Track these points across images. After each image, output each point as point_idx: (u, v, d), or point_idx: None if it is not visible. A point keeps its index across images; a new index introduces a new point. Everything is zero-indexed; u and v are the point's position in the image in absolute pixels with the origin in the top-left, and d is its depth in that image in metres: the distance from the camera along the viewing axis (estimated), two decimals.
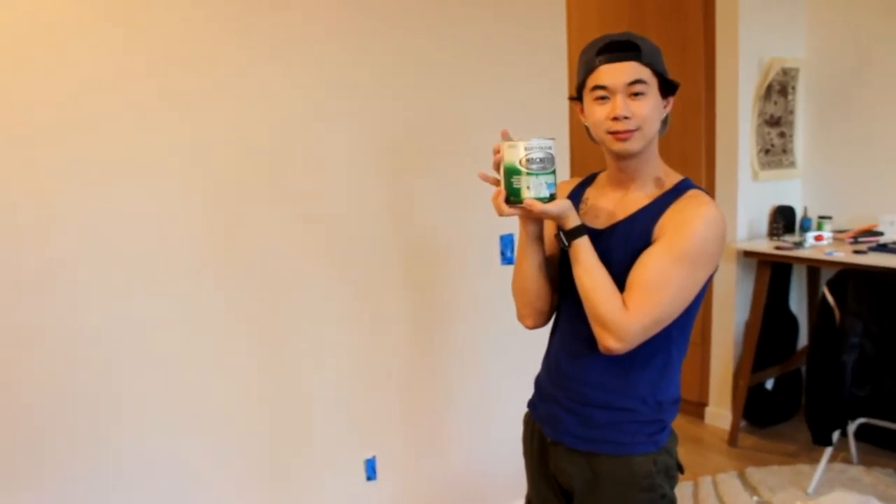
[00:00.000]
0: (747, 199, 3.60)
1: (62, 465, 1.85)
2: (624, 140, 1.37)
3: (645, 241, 1.38)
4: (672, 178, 1.46)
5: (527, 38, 2.63)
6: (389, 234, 2.38)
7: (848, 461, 3.25)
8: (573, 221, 1.36)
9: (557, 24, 2.73)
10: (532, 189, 1.31)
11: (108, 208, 1.86)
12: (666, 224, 1.37)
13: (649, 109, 1.36)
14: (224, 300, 2.07)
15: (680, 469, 1.53)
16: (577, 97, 1.47)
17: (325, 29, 2.18)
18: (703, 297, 1.43)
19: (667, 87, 1.41)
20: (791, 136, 3.75)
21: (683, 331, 1.45)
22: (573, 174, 2.74)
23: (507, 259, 2.64)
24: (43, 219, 1.78)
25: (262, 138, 2.09)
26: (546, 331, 1.65)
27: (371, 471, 2.42)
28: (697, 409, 3.83)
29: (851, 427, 3.18)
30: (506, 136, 1.35)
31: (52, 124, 1.77)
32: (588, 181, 1.60)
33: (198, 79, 1.96)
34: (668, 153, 3.61)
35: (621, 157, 1.42)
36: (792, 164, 3.77)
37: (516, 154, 1.31)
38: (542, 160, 1.31)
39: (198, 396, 2.05)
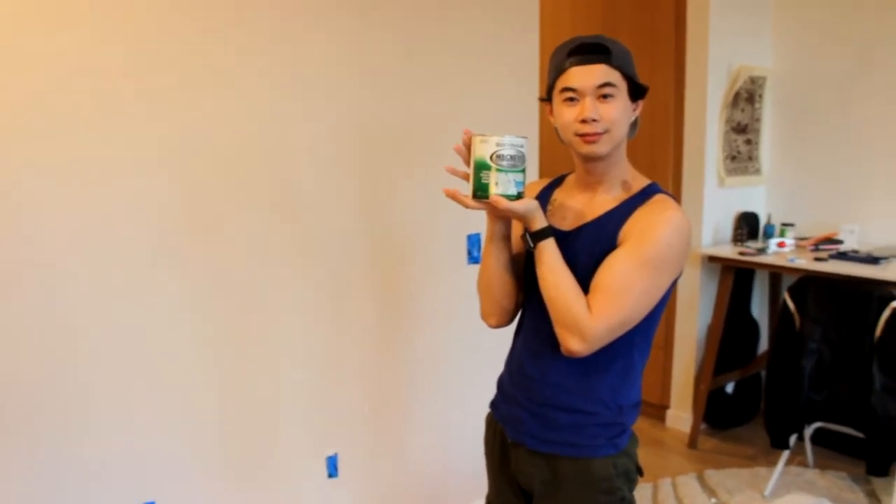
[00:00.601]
0: (713, 204, 3.64)
1: (23, 456, 1.81)
2: (591, 143, 1.37)
3: (610, 245, 1.38)
4: (639, 182, 1.47)
5: (499, 38, 2.63)
6: (356, 232, 2.36)
7: (804, 464, 3.31)
8: (539, 222, 1.36)
9: (530, 27, 2.73)
10: (500, 185, 1.31)
11: (75, 203, 1.82)
12: (631, 228, 1.37)
13: (618, 112, 1.37)
14: (188, 296, 2.04)
15: (639, 472, 1.54)
16: (546, 98, 1.47)
17: (297, 26, 2.15)
18: (666, 302, 1.44)
19: (636, 91, 1.41)
20: (757, 143, 3.81)
21: (646, 335, 1.46)
22: (542, 175, 2.74)
23: (473, 258, 2.64)
24: (10, 214, 1.73)
25: (231, 135, 2.06)
26: (511, 330, 1.65)
27: (333, 468, 2.40)
28: (659, 411, 3.87)
29: (808, 431, 3.24)
30: (470, 136, 1.35)
31: (21, 120, 1.72)
32: (556, 182, 1.60)
33: (168, 74, 1.93)
34: (637, 157, 3.65)
35: (589, 159, 1.42)
36: (757, 172, 3.83)
37: (487, 149, 1.31)
38: (512, 157, 1.31)
39: (158, 392, 2.01)
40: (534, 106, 2.73)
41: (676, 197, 3.59)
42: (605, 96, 1.36)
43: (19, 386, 1.80)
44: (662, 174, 3.67)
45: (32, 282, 1.79)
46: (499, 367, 1.68)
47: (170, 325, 2.02)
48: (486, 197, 1.32)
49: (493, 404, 1.66)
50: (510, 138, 1.31)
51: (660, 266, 1.34)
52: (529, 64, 2.74)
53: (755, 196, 3.85)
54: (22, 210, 1.76)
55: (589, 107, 1.35)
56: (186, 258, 2.02)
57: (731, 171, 3.68)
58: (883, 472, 2.86)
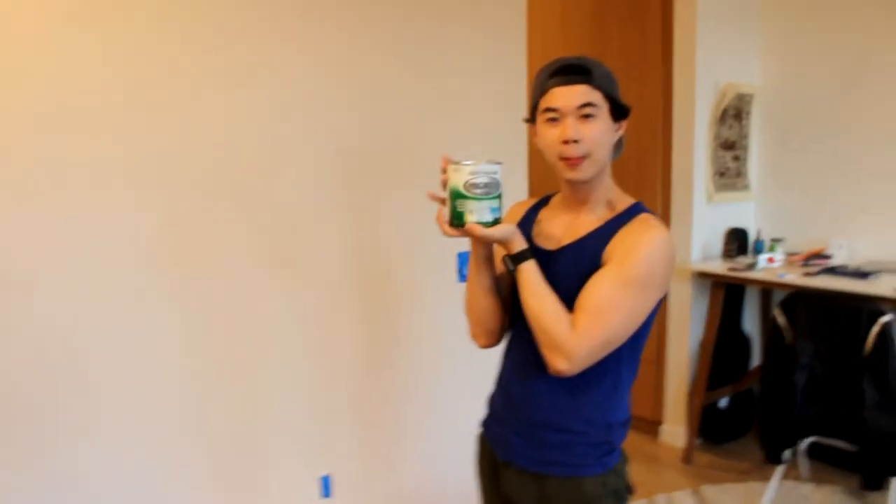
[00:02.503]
0: (702, 220, 3.66)
1: (10, 474, 1.80)
2: (574, 167, 1.39)
3: (594, 264, 1.39)
4: (624, 202, 1.48)
5: (488, 59, 2.66)
6: (347, 250, 2.37)
7: (799, 479, 3.31)
8: (518, 245, 1.37)
9: (518, 48, 2.76)
10: (475, 213, 1.32)
11: (66, 216, 1.83)
12: (615, 247, 1.38)
13: (599, 132, 1.38)
14: (178, 316, 2.04)
15: (630, 490, 1.54)
16: (531, 119, 1.49)
17: (285, 42, 2.17)
18: (653, 320, 1.45)
19: (619, 112, 1.43)
20: (745, 159, 3.83)
21: (633, 353, 1.47)
22: (531, 195, 2.76)
23: (463, 276, 2.65)
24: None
25: (221, 154, 2.08)
26: (501, 348, 1.65)
27: (326, 488, 2.39)
28: (652, 427, 3.87)
29: (802, 445, 3.24)
30: (447, 162, 1.36)
31: (15, 134, 1.74)
32: (543, 202, 1.61)
33: (160, 94, 1.95)
34: (625, 174, 3.67)
35: (573, 182, 1.44)
36: (746, 187, 3.85)
37: (460, 177, 1.31)
38: (486, 185, 1.31)
39: (148, 412, 2.01)
40: (522, 126, 2.75)
41: (665, 213, 3.62)
42: (586, 116, 1.37)
43: (7, 400, 1.79)
44: (651, 191, 3.70)
45: (22, 297, 1.79)
46: (489, 385, 1.68)
47: (160, 345, 2.02)
48: (463, 225, 1.33)
49: (484, 424, 1.66)
50: (484, 166, 1.31)
51: (644, 285, 1.35)
52: (519, 84, 2.77)
53: (744, 212, 3.87)
54: (15, 227, 1.76)
55: (570, 127, 1.36)
56: (177, 279, 2.03)
57: (719, 187, 3.70)
58: (877, 486, 2.86)
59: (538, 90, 1.43)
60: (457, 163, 1.32)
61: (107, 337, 1.92)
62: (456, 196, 1.32)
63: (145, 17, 1.91)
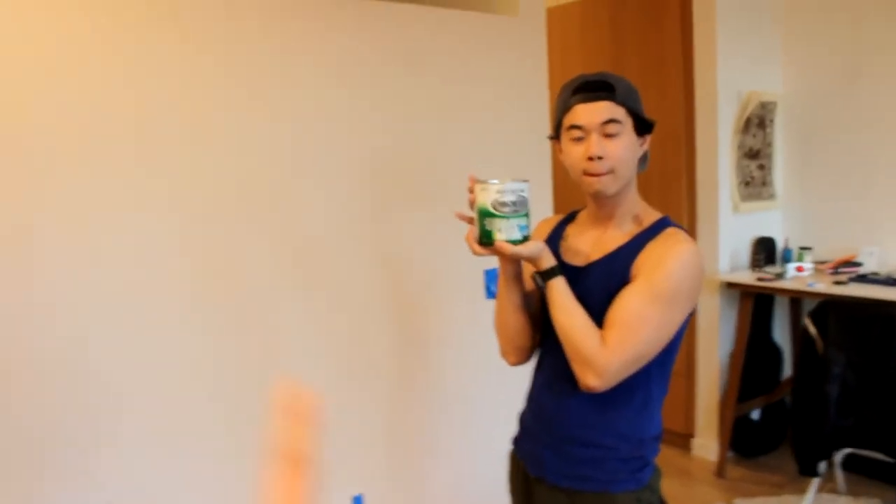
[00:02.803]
0: (728, 231, 3.63)
1: (25, 477, 1.82)
2: (598, 182, 1.39)
3: (623, 280, 1.39)
4: (650, 216, 1.48)
5: (510, 76, 2.67)
6: (375, 268, 2.38)
7: (835, 491, 3.25)
8: (547, 262, 1.38)
9: (539, 64, 2.77)
10: (503, 231, 1.32)
11: (92, 236, 1.86)
12: (643, 262, 1.38)
13: (623, 149, 1.38)
14: (204, 336, 2.06)
15: None
16: (555, 136, 1.49)
17: (312, 65, 2.20)
18: (683, 334, 1.44)
19: (642, 126, 1.43)
20: (770, 168, 3.80)
21: (663, 368, 1.46)
22: (556, 212, 2.76)
23: (491, 293, 2.65)
24: (25, 245, 1.77)
25: (248, 174, 2.10)
26: (531, 366, 1.65)
27: None
28: (684, 440, 3.83)
29: (837, 457, 3.19)
30: (473, 182, 1.37)
31: (36, 153, 1.78)
32: (569, 218, 1.62)
33: (183, 117, 1.98)
34: (650, 187, 3.66)
35: (598, 197, 1.44)
36: (772, 196, 3.82)
37: (488, 196, 1.32)
38: (514, 203, 1.32)
39: (178, 434, 2.03)
40: (546, 143, 2.76)
41: (691, 224, 3.60)
42: (610, 133, 1.37)
43: (28, 413, 1.82)
44: (676, 203, 3.68)
45: (45, 319, 1.83)
46: (520, 402, 1.68)
47: (186, 365, 2.04)
48: (492, 244, 1.33)
49: (515, 441, 1.66)
50: (511, 184, 1.32)
51: (673, 300, 1.35)
52: (540, 100, 2.78)
53: (771, 221, 3.84)
54: (40, 253, 1.80)
55: (594, 144, 1.37)
56: (202, 298, 2.05)
57: (745, 197, 3.68)
58: None
59: (561, 107, 1.44)
60: (484, 182, 1.33)
61: (135, 359, 1.95)
62: (484, 215, 1.33)
63: (179, 41, 1.95)
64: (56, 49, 1.79)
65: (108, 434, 1.91)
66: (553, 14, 3.99)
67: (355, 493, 2.39)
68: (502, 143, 2.66)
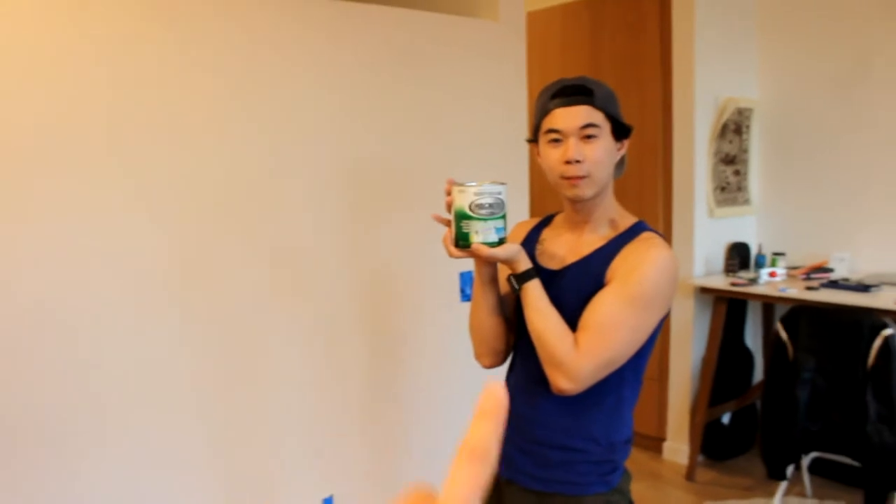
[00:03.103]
0: (703, 235, 3.67)
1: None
2: (575, 186, 1.40)
3: (598, 283, 1.40)
4: (626, 221, 1.49)
5: (489, 80, 2.67)
6: (350, 271, 2.37)
7: (802, 495, 3.30)
8: (523, 265, 1.38)
9: (518, 67, 2.77)
10: (480, 234, 1.33)
11: (74, 244, 1.84)
12: (619, 266, 1.39)
13: (601, 152, 1.39)
14: (183, 341, 2.04)
15: None
16: (533, 140, 1.50)
17: (288, 67, 2.19)
18: (656, 338, 1.45)
19: (620, 131, 1.44)
20: (746, 174, 3.85)
21: (636, 371, 1.47)
22: (532, 215, 2.77)
23: (466, 296, 2.65)
24: (6, 249, 1.75)
25: (226, 179, 2.08)
26: (504, 368, 1.65)
27: None
28: (655, 444, 3.86)
29: (805, 461, 3.23)
30: (451, 185, 1.37)
31: (18, 155, 1.75)
32: (546, 222, 1.62)
33: (167, 123, 1.96)
34: (626, 190, 3.69)
35: (575, 200, 1.45)
36: (747, 202, 3.86)
37: (465, 199, 1.32)
38: (491, 205, 1.32)
39: (153, 434, 2.01)
40: (524, 146, 2.76)
41: (666, 229, 3.62)
42: (588, 137, 1.38)
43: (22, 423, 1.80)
44: (652, 206, 3.71)
45: (28, 324, 1.80)
46: None
47: (165, 368, 2.02)
48: (468, 246, 1.34)
49: None
50: (489, 186, 1.32)
51: (647, 304, 1.36)
52: (519, 103, 2.78)
53: (746, 226, 3.88)
54: (23, 257, 1.77)
55: (572, 148, 1.37)
56: (182, 303, 2.03)
57: (720, 202, 3.71)
58: (880, 502, 2.84)
59: (540, 111, 1.44)
60: (461, 184, 1.34)
61: (117, 364, 1.93)
62: (461, 217, 1.33)
63: (154, 46, 1.93)
64: (40, 52, 1.76)
65: (91, 439, 1.89)
66: (533, 18, 4.00)
67: (326, 494, 2.38)
68: (480, 147, 2.67)
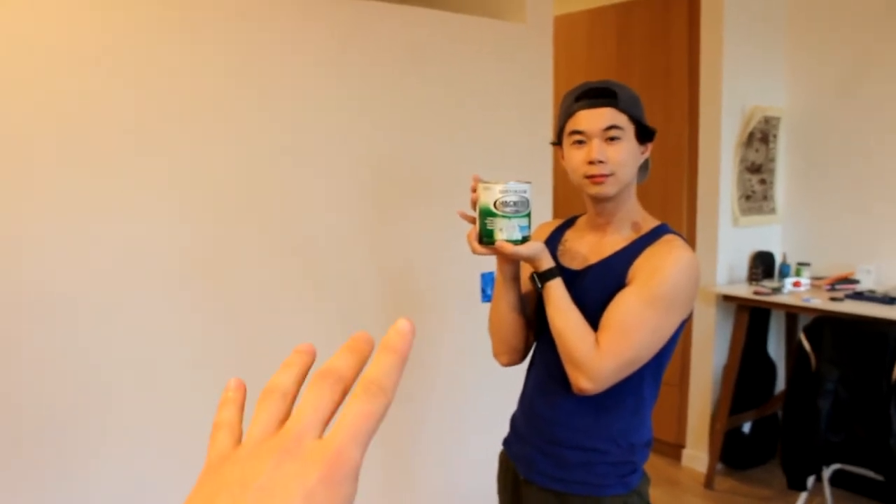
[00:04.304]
0: (728, 243, 3.65)
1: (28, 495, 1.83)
2: (599, 184, 1.41)
3: (619, 284, 1.40)
4: (649, 223, 1.50)
5: (515, 82, 2.69)
6: (370, 270, 2.39)
7: None
8: (546, 264, 1.39)
9: (545, 71, 2.78)
10: (504, 231, 1.34)
11: (93, 237, 1.87)
12: (640, 267, 1.39)
13: (624, 154, 1.40)
14: (201, 339, 2.07)
15: None
16: (557, 142, 1.51)
17: (308, 63, 2.21)
18: (677, 340, 1.46)
19: (644, 134, 1.45)
20: (772, 182, 3.82)
21: (656, 373, 1.47)
22: (556, 217, 2.77)
23: (487, 297, 2.66)
24: (15, 240, 1.78)
25: (248, 178, 2.11)
26: (524, 368, 1.66)
27: None
28: (675, 451, 3.84)
29: (826, 472, 3.20)
30: (477, 182, 1.38)
31: (29, 148, 1.78)
32: (569, 223, 1.63)
33: (180, 112, 1.99)
34: (651, 197, 3.68)
35: (598, 200, 1.46)
36: (772, 211, 3.84)
37: (491, 196, 1.34)
38: (515, 203, 1.34)
39: (167, 424, 2.04)
40: (548, 149, 2.77)
41: (691, 236, 3.61)
42: (612, 139, 1.39)
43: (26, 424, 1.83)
44: (677, 214, 3.69)
45: (45, 314, 1.84)
46: (512, 404, 1.70)
47: (184, 362, 2.05)
48: (492, 243, 1.35)
49: (506, 442, 1.67)
50: (514, 185, 1.33)
51: (669, 305, 1.36)
52: (545, 107, 2.79)
53: (770, 235, 3.85)
54: (44, 248, 1.81)
55: (596, 149, 1.38)
56: (200, 300, 2.06)
57: (745, 211, 3.69)
58: None
59: (564, 113, 1.46)
60: (487, 181, 1.35)
61: (127, 356, 1.96)
62: (486, 214, 1.35)
63: (176, 43, 1.96)
64: (53, 45, 1.80)
65: (99, 431, 1.92)
66: (560, 22, 4.01)
67: None
68: (505, 148, 2.68)
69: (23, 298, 1.79)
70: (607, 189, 1.41)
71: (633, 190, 1.48)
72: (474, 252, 1.39)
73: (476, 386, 2.69)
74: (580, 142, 1.41)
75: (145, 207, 1.94)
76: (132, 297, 1.94)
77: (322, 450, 0.34)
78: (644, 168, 1.50)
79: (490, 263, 2.63)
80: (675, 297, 1.38)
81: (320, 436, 0.35)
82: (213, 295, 2.08)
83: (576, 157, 1.42)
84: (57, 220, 1.82)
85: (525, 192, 1.35)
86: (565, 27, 4.10)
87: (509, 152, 2.69)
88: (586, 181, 1.42)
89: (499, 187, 1.33)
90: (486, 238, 1.36)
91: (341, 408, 0.36)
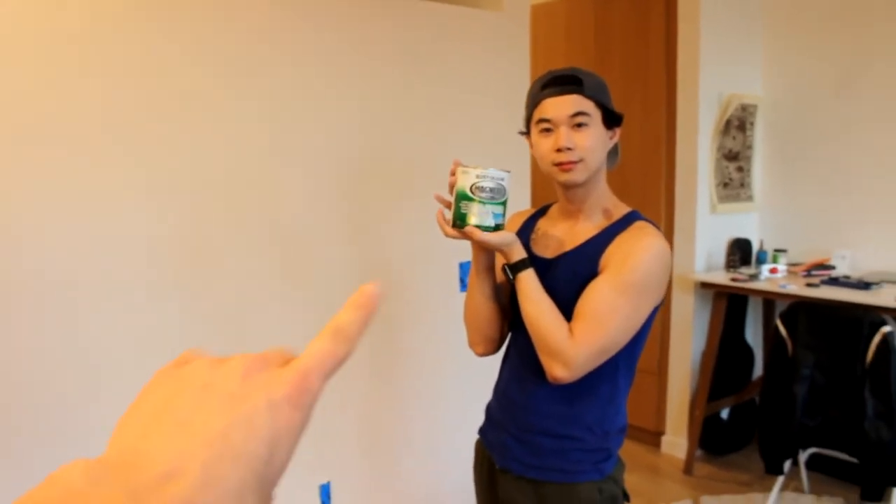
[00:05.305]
0: (705, 231, 3.67)
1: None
2: (567, 171, 1.41)
3: (591, 272, 1.41)
4: (620, 210, 1.50)
5: (493, 73, 2.68)
6: (349, 259, 2.39)
7: (800, 490, 3.31)
8: (517, 254, 1.39)
9: (522, 61, 2.78)
10: (477, 217, 1.34)
11: (75, 230, 1.85)
12: (612, 255, 1.40)
13: (592, 140, 1.40)
14: (180, 328, 2.06)
15: (626, 497, 1.55)
16: (526, 132, 1.51)
17: (291, 55, 2.20)
18: (650, 327, 1.46)
19: (611, 119, 1.45)
20: (749, 170, 3.85)
21: (630, 361, 1.48)
22: (534, 206, 2.78)
23: (465, 286, 2.66)
24: (6, 234, 1.77)
25: (225, 167, 2.10)
26: (501, 357, 1.67)
27: (326, 496, 2.41)
28: (654, 437, 3.87)
29: (803, 456, 3.24)
30: (457, 165, 1.38)
31: (29, 147, 1.76)
32: (541, 212, 1.63)
33: (169, 112, 1.97)
34: (629, 185, 3.70)
35: (568, 187, 1.46)
36: (749, 198, 3.86)
37: (468, 180, 1.34)
38: (492, 190, 1.33)
39: None
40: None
41: (668, 224, 3.63)
42: (579, 125, 1.39)
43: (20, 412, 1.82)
44: (655, 201, 3.71)
45: (27, 309, 1.82)
46: (489, 394, 1.70)
47: (165, 353, 2.03)
48: (464, 226, 1.35)
49: (482, 431, 1.68)
50: (492, 171, 1.33)
51: (641, 291, 1.37)
52: (522, 97, 2.78)
53: (747, 222, 3.88)
54: (21, 242, 1.79)
55: (563, 136, 1.39)
56: (180, 290, 2.05)
57: (723, 198, 3.71)
58: (877, 498, 2.85)
59: (531, 102, 1.46)
60: (466, 166, 1.35)
61: (114, 343, 1.95)
62: (461, 197, 1.34)
63: (156, 33, 1.94)
64: (37, 35, 1.78)
65: (88, 425, 1.91)
66: (538, 11, 4.01)
67: (324, 480, 2.40)
68: (482, 138, 2.68)
69: (3, 291, 1.77)
70: (576, 176, 1.41)
71: (602, 176, 1.48)
72: (445, 234, 1.38)
73: (454, 375, 2.69)
74: (548, 130, 1.42)
75: (127, 198, 1.92)
76: (113, 292, 1.93)
77: (290, 370, 0.37)
78: (613, 154, 1.51)
79: (469, 253, 2.63)
80: (648, 284, 1.38)
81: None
82: (196, 287, 2.07)
83: (544, 145, 1.42)
84: (35, 217, 1.80)
85: (503, 179, 1.34)
86: (543, 16, 4.09)
87: (487, 141, 2.69)
88: (555, 168, 1.42)
89: (476, 172, 1.33)
90: (458, 222, 1.35)
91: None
